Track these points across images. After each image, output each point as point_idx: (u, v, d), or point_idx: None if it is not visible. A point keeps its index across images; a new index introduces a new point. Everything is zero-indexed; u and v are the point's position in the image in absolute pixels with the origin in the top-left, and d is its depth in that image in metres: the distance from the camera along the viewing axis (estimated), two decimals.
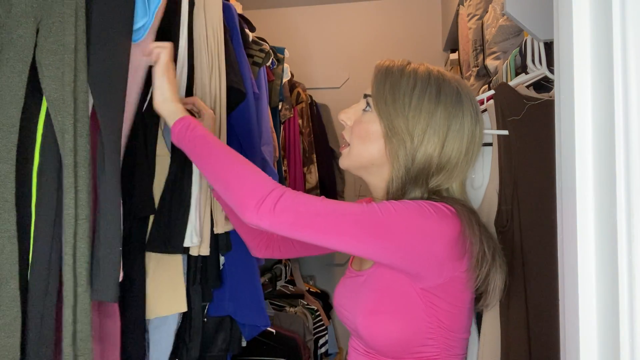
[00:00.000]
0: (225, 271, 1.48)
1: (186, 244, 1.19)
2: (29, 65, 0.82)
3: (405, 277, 0.88)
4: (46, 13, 0.84)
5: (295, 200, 0.85)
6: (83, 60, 0.86)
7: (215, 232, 1.31)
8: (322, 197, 0.88)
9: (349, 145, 0.99)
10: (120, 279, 0.89)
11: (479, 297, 0.98)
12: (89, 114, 0.87)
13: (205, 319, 1.46)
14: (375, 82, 0.95)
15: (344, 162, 1.00)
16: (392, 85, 0.93)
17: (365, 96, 0.98)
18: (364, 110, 0.97)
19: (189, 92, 1.26)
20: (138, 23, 0.97)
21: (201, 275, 1.34)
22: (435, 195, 0.94)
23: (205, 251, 1.26)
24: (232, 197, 0.89)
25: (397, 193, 0.94)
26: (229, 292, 1.48)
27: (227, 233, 1.42)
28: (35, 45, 0.83)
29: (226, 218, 1.33)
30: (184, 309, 1.23)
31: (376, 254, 0.86)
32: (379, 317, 0.90)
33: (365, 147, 0.95)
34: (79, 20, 0.86)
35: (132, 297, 1.11)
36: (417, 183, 0.93)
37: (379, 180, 0.98)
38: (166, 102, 1.01)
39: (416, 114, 0.91)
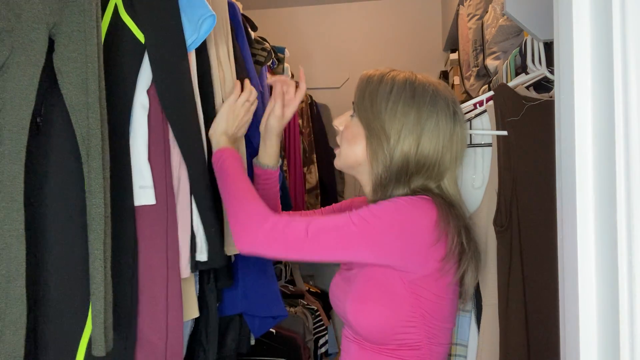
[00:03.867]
0: (237, 268, 1.47)
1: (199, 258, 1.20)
2: (41, 69, 0.86)
3: (392, 271, 0.95)
4: (63, 21, 0.87)
5: (284, 231, 0.95)
6: (102, 67, 0.91)
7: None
8: (311, 218, 0.98)
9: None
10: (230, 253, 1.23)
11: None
12: (106, 118, 0.94)
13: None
14: (357, 89, 1.06)
15: (336, 163, 1.11)
16: (371, 92, 1.03)
17: (353, 104, 1.09)
18: (351, 116, 1.08)
19: (205, 92, 1.28)
20: (188, 40, 1.12)
21: (214, 276, 1.35)
22: (422, 191, 1.01)
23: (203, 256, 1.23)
24: (232, 229, 1.02)
25: (382, 190, 1.02)
26: (242, 289, 1.47)
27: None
28: (53, 52, 0.88)
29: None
30: (196, 314, 1.23)
31: (365, 259, 0.95)
32: (366, 305, 0.97)
33: (351, 148, 1.06)
34: (99, 29, 0.91)
35: None
36: (400, 181, 1.01)
37: (366, 177, 1.07)
38: (215, 134, 1.22)
39: (392, 116, 0.99)
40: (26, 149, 0.86)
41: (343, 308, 1.02)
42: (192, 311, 1.22)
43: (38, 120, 0.91)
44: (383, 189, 1.01)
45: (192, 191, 1.15)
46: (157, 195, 1.07)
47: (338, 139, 1.11)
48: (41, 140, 0.90)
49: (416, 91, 1.00)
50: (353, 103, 1.08)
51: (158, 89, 1.08)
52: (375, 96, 1.01)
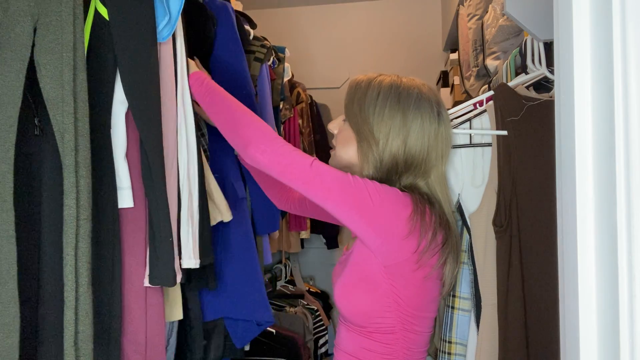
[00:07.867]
0: (222, 266, 1.41)
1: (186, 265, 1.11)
2: (27, 64, 0.82)
3: (372, 256, 1.02)
4: (43, 12, 0.83)
5: (294, 151, 1.05)
6: (82, 59, 0.86)
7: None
8: (315, 158, 1.07)
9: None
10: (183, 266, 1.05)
11: None
12: (88, 113, 0.88)
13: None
14: (347, 95, 1.14)
15: (331, 162, 1.18)
16: (359, 98, 1.10)
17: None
18: (344, 120, 1.16)
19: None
20: (160, 24, 1.03)
21: (198, 277, 1.27)
22: (409, 188, 1.07)
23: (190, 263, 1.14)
24: (243, 137, 1.08)
25: None
26: (226, 288, 1.40)
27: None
28: (34, 45, 0.83)
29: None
30: (180, 316, 1.19)
31: (347, 214, 1.01)
32: (349, 289, 1.06)
33: (345, 150, 1.14)
34: (77, 18, 0.85)
35: None
36: (391, 180, 1.08)
37: (359, 175, 1.11)
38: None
39: (379, 121, 1.07)
40: (27, 151, 0.82)
41: (334, 291, 1.10)
42: (176, 313, 1.18)
43: (36, 121, 0.87)
44: None
45: (146, 194, 1.01)
46: (136, 198, 1.00)
47: (333, 142, 1.19)
48: (41, 141, 0.86)
49: (401, 95, 1.07)
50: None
51: (122, 76, 0.95)
52: (363, 102, 1.09)
